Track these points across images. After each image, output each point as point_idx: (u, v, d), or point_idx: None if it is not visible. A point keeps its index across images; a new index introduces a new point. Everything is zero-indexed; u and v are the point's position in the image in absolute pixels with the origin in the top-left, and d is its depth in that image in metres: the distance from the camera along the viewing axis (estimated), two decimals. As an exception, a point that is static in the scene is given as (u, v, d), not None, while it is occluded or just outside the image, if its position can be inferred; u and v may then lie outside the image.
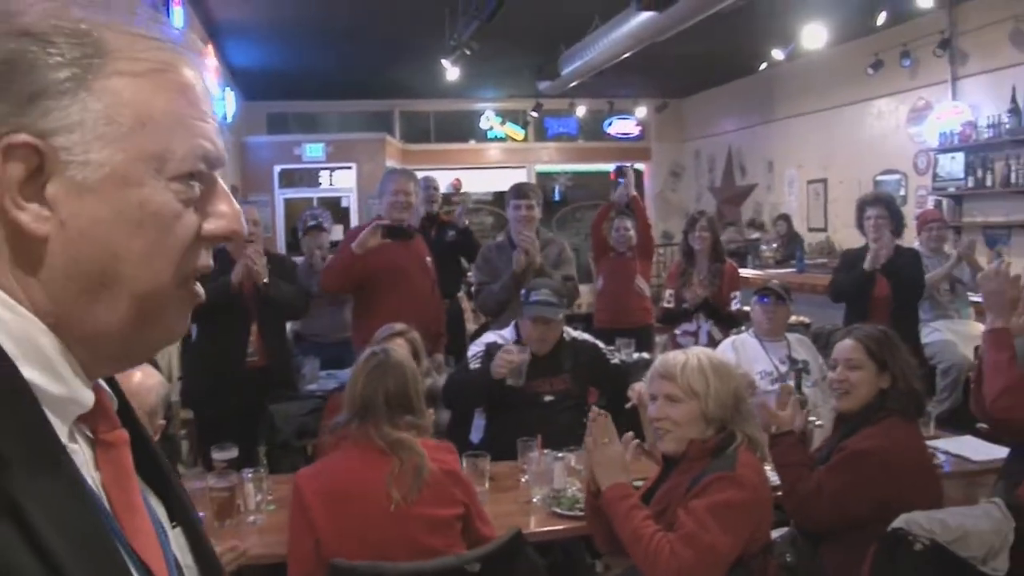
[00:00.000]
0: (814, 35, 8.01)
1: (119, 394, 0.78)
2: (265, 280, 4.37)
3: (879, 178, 9.59)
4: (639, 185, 7.16)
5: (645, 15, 6.56)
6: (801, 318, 6.11)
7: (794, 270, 8.50)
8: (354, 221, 11.54)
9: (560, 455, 3.31)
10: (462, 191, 13.85)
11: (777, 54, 9.23)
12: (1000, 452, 3.46)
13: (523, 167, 14.23)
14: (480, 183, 14.16)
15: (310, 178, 11.89)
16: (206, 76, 0.75)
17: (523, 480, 3.28)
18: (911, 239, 6.15)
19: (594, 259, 6.58)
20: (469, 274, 6.59)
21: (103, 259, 0.67)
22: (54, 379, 0.66)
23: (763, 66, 10.37)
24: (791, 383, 3.81)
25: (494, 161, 14.30)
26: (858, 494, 2.68)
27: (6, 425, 0.59)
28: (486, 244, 5.49)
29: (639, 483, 2.64)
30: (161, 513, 0.79)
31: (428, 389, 3.24)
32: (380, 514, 2.43)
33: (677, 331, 5.55)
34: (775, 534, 2.63)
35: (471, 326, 6.80)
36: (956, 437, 3.85)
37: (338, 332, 5.94)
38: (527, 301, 3.85)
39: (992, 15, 7.88)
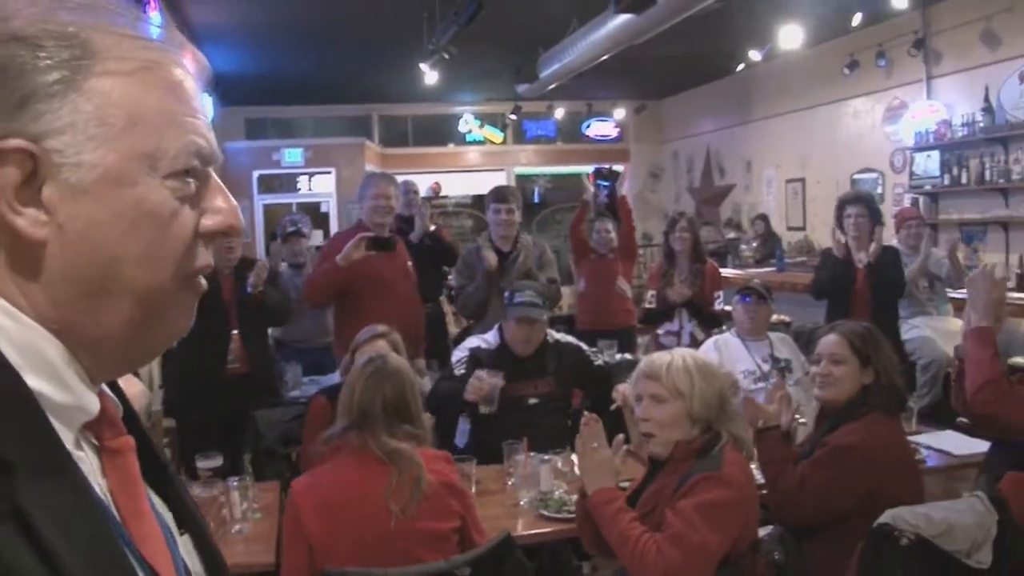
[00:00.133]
0: (790, 36, 8.07)
1: (124, 401, 0.77)
2: (260, 288, 4.37)
3: (856, 177, 9.66)
4: (618, 186, 7.17)
5: (623, 17, 6.57)
6: (782, 317, 6.16)
7: (774, 269, 8.56)
8: (334, 226, 11.50)
9: (546, 457, 3.31)
10: (441, 194, 13.85)
11: (754, 55, 9.29)
12: (980, 446, 3.51)
13: (502, 170, 14.23)
14: (459, 186, 14.15)
15: (289, 183, 11.83)
16: (194, 74, 0.75)
17: (509, 483, 3.28)
18: (889, 237, 6.20)
19: (574, 261, 6.59)
20: (450, 278, 6.60)
21: (102, 261, 0.67)
22: (60, 387, 0.66)
23: (740, 67, 10.42)
24: (781, 381, 3.84)
25: (473, 164, 14.29)
26: (841, 489, 2.70)
27: (11, 434, 0.59)
28: (467, 248, 5.49)
29: (625, 484, 2.65)
30: (169, 519, 0.79)
31: None
32: (378, 528, 2.41)
33: (660, 331, 5.57)
34: (762, 532, 2.65)
35: (453, 329, 6.80)
36: (937, 432, 3.89)
37: (319, 338, 5.93)
38: (511, 303, 3.85)
39: (964, 15, 7.96)
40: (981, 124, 7.75)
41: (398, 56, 9.24)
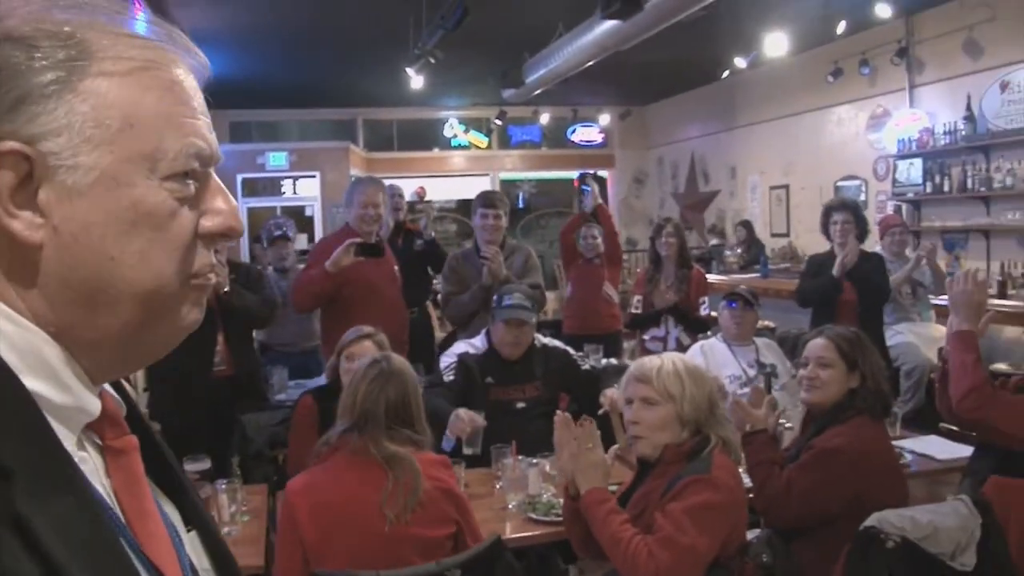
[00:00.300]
0: (776, 43, 8.12)
1: (127, 400, 0.77)
2: (226, 289, 4.33)
3: (840, 184, 9.73)
4: (603, 192, 7.20)
5: (609, 24, 6.61)
6: (766, 322, 6.20)
7: (758, 275, 8.60)
8: (318, 230, 11.47)
9: (534, 461, 3.33)
10: (426, 199, 13.83)
11: (739, 62, 9.34)
12: (963, 451, 3.54)
13: (487, 175, 14.24)
14: (444, 191, 14.14)
15: (273, 187, 11.79)
16: (195, 73, 0.74)
17: (498, 487, 3.28)
18: (872, 244, 6.26)
19: (564, 266, 6.61)
20: (435, 283, 6.60)
21: (99, 263, 0.66)
22: (60, 389, 0.65)
23: (725, 74, 10.48)
24: (760, 386, 3.86)
25: (458, 169, 14.30)
26: (827, 492, 2.72)
27: (9, 438, 0.58)
28: (452, 253, 5.48)
29: (614, 488, 2.66)
30: (175, 517, 0.78)
31: None
32: (371, 533, 2.40)
33: (646, 336, 5.60)
34: (750, 535, 2.66)
35: (439, 334, 6.80)
36: (921, 437, 3.93)
37: (304, 341, 5.92)
38: (500, 305, 3.86)
39: (947, 25, 8.05)
40: (963, 133, 7.83)
41: (383, 60, 9.23)
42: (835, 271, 4.88)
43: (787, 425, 3.60)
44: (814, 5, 7.80)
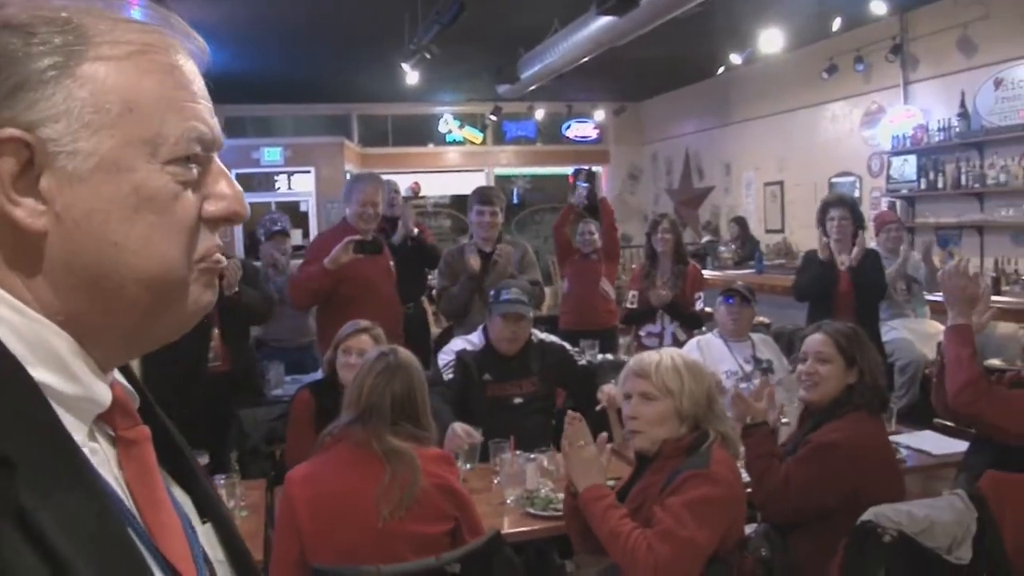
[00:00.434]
0: (771, 40, 8.13)
1: (140, 391, 0.77)
2: (236, 289, 4.34)
3: (834, 180, 9.75)
4: (596, 188, 7.19)
5: (604, 20, 6.61)
6: (761, 318, 6.21)
7: (753, 271, 8.62)
8: (312, 225, 11.46)
9: (532, 456, 3.33)
10: (421, 194, 13.81)
11: (735, 58, 9.34)
12: (958, 446, 3.56)
13: (481, 170, 14.23)
14: (438, 186, 14.13)
15: (267, 182, 11.77)
16: (194, 57, 0.74)
17: (496, 482, 3.29)
18: (867, 240, 6.27)
19: (559, 261, 6.61)
20: (430, 278, 6.60)
21: (103, 249, 0.66)
22: (69, 379, 0.65)
23: (721, 70, 10.49)
24: (757, 382, 3.87)
25: (452, 164, 14.29)
26: (824, 486, 2.73)
27: (13, 429, 0.58)
28: (448, 249, 5.48)
29: (611, 483, 2.67)
30: (189, 508, 0.78)
31: None
32: (366, 527, 2.41)
33: (642, 332, 5.61)
34: (748, 530, 2.68)
35: (434, 330, 6.80)
36: (916, 432, 3.95)
37: (300, 337, 5.91)
38: (497, 300, 3.86)
39: (941, 22, 8.08)
40: (957, 129, 7.86)
41: (379, 55, 9.22)
42: (852, 262, 4.88)
43: (783, 420, 3.61)
44: (809, 2, 7.81)
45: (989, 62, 7.59)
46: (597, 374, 4.07)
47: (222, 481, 3.03)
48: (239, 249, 10.87)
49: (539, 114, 13.24)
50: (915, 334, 5.86)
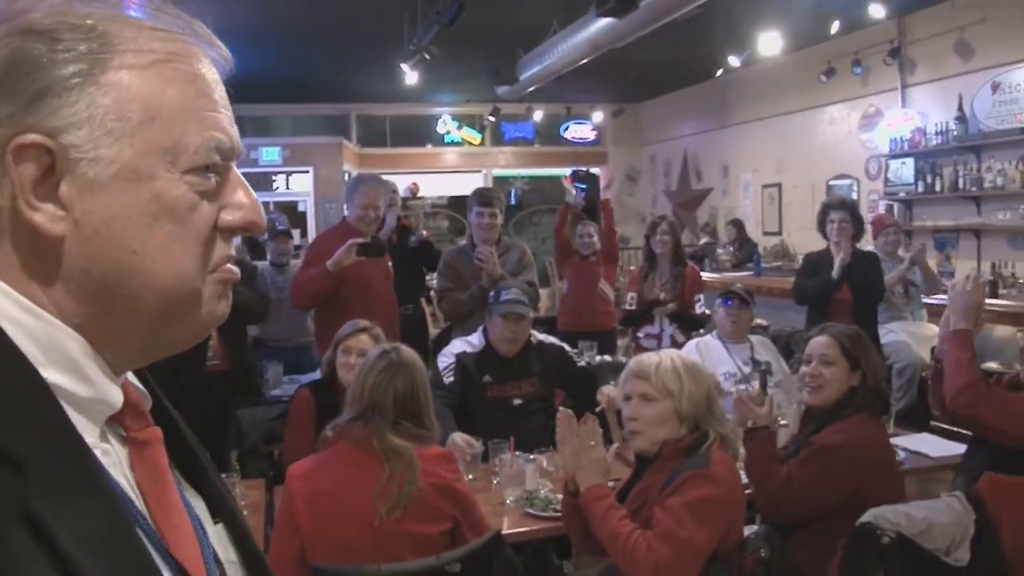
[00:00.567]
0: (769, 43, 8.15)
1: (152, 392, 0.77)
2: None
3: (832, 183, 9.77)
4: (595, 189, 7.20)
5: (604, 21, 6.61)
6: (759, 320, 6.22)
7: (751, 273, 8.63)
8: (311, 225, 11.47)
9: (532, 457, 3.34)
10: (419, 195, 13.82)
11: (733, 60, 9.36)
12: (956, 448, 3.57)
13: (479, 171, 14.23)
14: (436, 187, 14.14)
15: (266, 182, 11.76)
16: (216, 66, 0.74)
17: (495, 482, 3.29)
18: (864, 243, 6.28)
19: (559, 263, 6.62)
20: (427, 278, 6.61)
21: (121, 256, 0.66)
22: (81, 381, 0.65)
23: (719, 72, 10.51)
24: (756, 384, 3.88)
25: (450, 165, 14.29)
26: (827, 487, 2.74)
27: (24, 430, 0.58)
28: (447, 250, 5.49)
29: (611, 484, 2.67)
30: (201, 509, 0.78)
31: None
32: (364, 526, 2.41)
33: (640, 334, 5.62)
34: (747, 531, 2.68)
35: (432, 330, 6.80)
36: (914, 434, 3.96)
37: (298, 337, 5.93)
38: (497, 300, 3.87)
39: (939, 26, 8.09)
40: (955, 133, 7.88)
41: (378, 56, 9.22)
42: (835, 274, 4.93)
43: (782, 423, 3.62)
44: (808, 5, 7.83)
45: (986, 66, 7.61)
46: (596, 375, 4.08)
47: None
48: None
49: (537, 115, 13.24)
50: (913, 337, 5.88)
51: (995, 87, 7.53)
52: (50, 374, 0.63)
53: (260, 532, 2.96)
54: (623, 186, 14.76)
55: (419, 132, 14.19)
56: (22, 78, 0.63)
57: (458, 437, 3.39)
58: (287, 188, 11.81)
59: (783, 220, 10.88)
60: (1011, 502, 2.73)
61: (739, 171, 11.87)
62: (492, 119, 12.52)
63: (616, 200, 14.19)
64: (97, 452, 0.65)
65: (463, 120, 14.16)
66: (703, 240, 11.65)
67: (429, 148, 14.22)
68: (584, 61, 7.92)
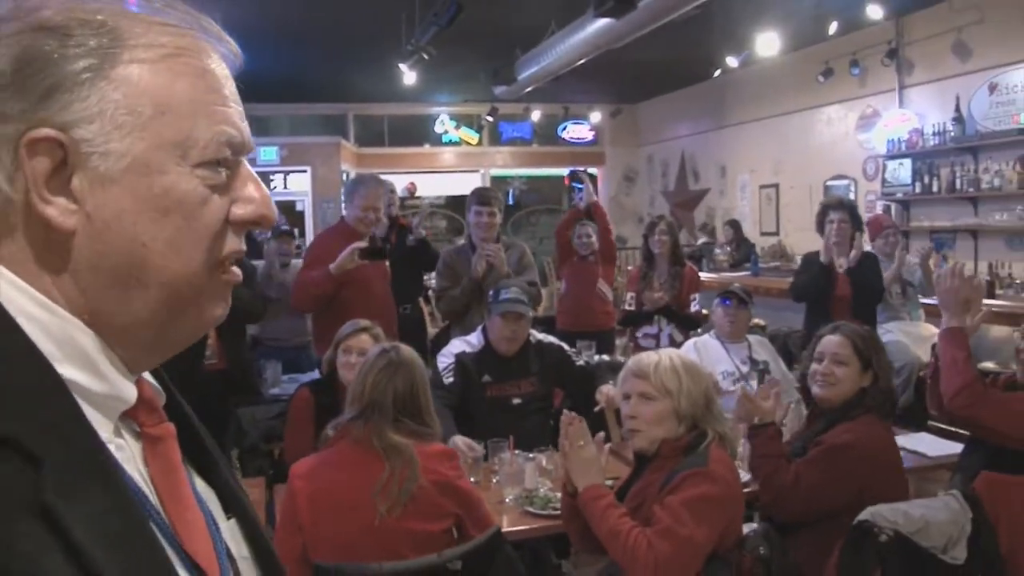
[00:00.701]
0: (767, 43, 8.17)
1: (166, 387, 0.78)
2: None
3: (829, 183, 9.80)
4: (593, 189, 7.21)
5: (602, 22, 6.63)
6: (757, 320, 6.24)
7: (748, 273, 8.64)
8: (308, 225, 11.47)
9: (531, 456, 3.35)
10: (416, 195, 13.83)
11: (731, 61, 9.39)
12: (953, 448, 3.58)
13: (477, 171, 14.24)
14: (434, 187, 14.15)
15: (263, 181, 11.68)
16: (227, 61, 0.74)
17: (495, 481, 3.30)
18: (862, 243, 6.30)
19: (560, 263, 6.63)
20: (425, 278, 6.61)
21: (131, 249, 0.67)
22: (95, 376, 0.66)
23: (717, 73, 10.53)
24: (754, 383, 3.90)
25: (448, 165, 14.30)
26: (835, 487, 2.74)
27: (39, 425, 0.59)
28: (446, 249, 5.49)
29: (610, 482, 2.68)
30: (214, 504, 0.79)
31: None
32: (366, 525, 2.42)
33: (638, 333, 5.63)
34: (746, 529, 2.69)
35: (431, 330, 6.80)
36: (912, 434, 3.97)
37: (297, 337, 5.93)
38: (497, 299, 3.88)
39: (936, 27, 8.12)
40: (952, 134, 7.90)
41: (376, 55, 9.23)
42: (850, 263, 4.91)
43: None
44: (806, 6, 7.85)
45: (984, 67, 7.64)
46: (595, 375, 4.09)
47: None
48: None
49: (535, 115, 13.27)
50: (910, 337, 5.89)
51: (992, 88, 7.56)
52: (65, 370, 0.64)
53: (260, 530, 2.96)
54: (621, 186, 14.78)
55: (417, 132, 14.20)
56: (34, 74, 0.64)
57: (459, 440, 3.39)
58: (285, 188, 11.80)
59: (780, 220, 10.90)
60: (1007, 501, 2.74)
61: (736, 171, 11.88)
62: (490, 119, 12.53)
63: (613, 200, 14.25)
64: (111, 447, 0.65)
65: (461, 120, 14.17)
66: (702, 240, 11.66)
67: (427, 148, 14.23)
68: (582, 61, 7.93)
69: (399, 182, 11.89)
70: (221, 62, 0.73)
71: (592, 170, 13.72)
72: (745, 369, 4.22)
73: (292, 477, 2.51)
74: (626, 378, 2.61)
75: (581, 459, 2.56)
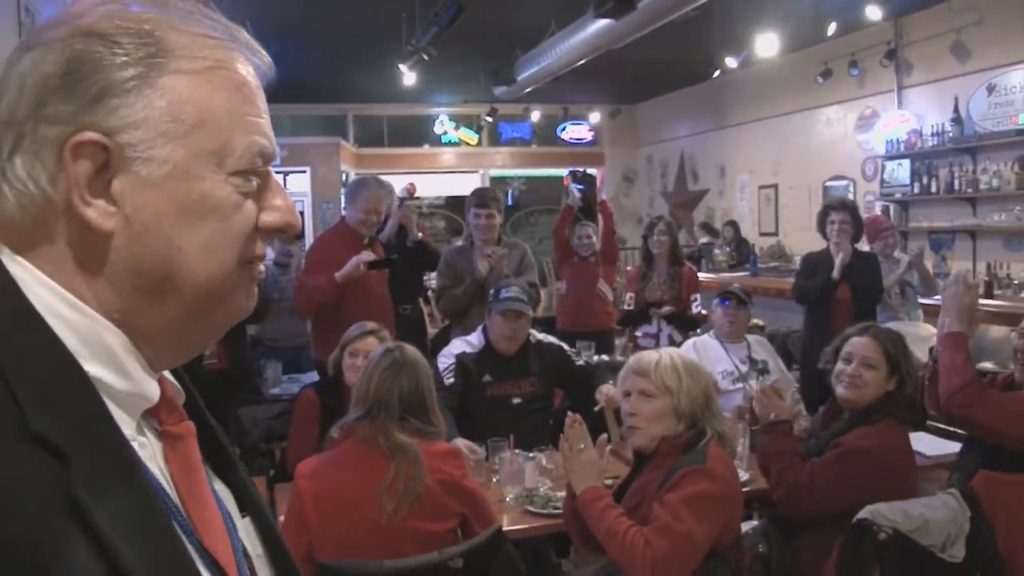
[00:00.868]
0: (766, 44, 8.18)
1: (186, 387, 0.79)
2: None
3: (828, 184, 9.81)
4: (592, 191, 7.22)
5: (601, 22, 6.65)
6: (756, 320, 6.25)
7: (748, 274, 8.66)
8: (308, 225, 11.46)
9: (531, 455, 3.36)
10: (416, 195, 13.83)
11: (730, 62, 9.40)
12: (952, 447, 3.60)
13: (476, 172, 14.26)
14: (434, 187, 14.16)
15: (263, 181, 11.74)
16: (258, 72, 0.77)
17: (495, 480, 3.32)
18: (861, 244, 6.31)
19: (558, 263, 6.64)
20: (424, 278, 6.62)
21: (167, 252, 0.69)
22: (120, 375, 0.67)
23: (716, 73, 10.54)
24: (753, 382, 3.91)
25: (448, 165, 14.31)
26: (848, 490, 2.70)
27: (68, 422, 0.60)
28: (447, 249, 5.50)
29: (610, 482, 2.70)
30: (230, 503, 0.80)
31: None
32: (372, 525, 2.42)
33: (638, 334, 5.65)
34: (745, 527, 2.71)
35: (430, 330, 6.82)
36: (911, 433, 3.97)
37: (297, 337, 5.93)
38: (497, 298, 3.89)
39: (935, 28, 8.14)
40: (950, 134, 7.92)
41: (376, 56, 9.24)
42: (835, 274, 4.95)
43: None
44: (805, 6, 7.87)
45: (982, 68, 7.66)
46: (594, 375, 4.10)
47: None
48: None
49: (535, 116, 13.28)
50: (909, 337, 5.80)
51: (991, 89, 7.57)
52: (91, 367, 0.65)
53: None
54: (620, 187, 14.79)
55: (416, 132, 14.21)
56: (84, 79, 0.66)
57: (461, 443, 3.39)
58: (284, 188, 11.69)
59: (779, 221, 10.91)
60: (1005, 499, 2.76)
61: (736, 172, 11.90)
62: (489, 119, 12.54)
63: (612, 201, 14.24)
64: (134, 445, 0.67)
65: (460, 120, 14.19)
66: (703, 240, 11.66)
67: (426, 148, 14.25)
68: (582, 62, 7.95)
69: (398, 183, 11.89)
70: (254, 74, 0.75)
71: (592, 170, 13.73)
72: (744, 369, 4.23)
73: (298, 477, 2.52)
74: (627, 376, 2.63)
75: (580, 462, 2.57)
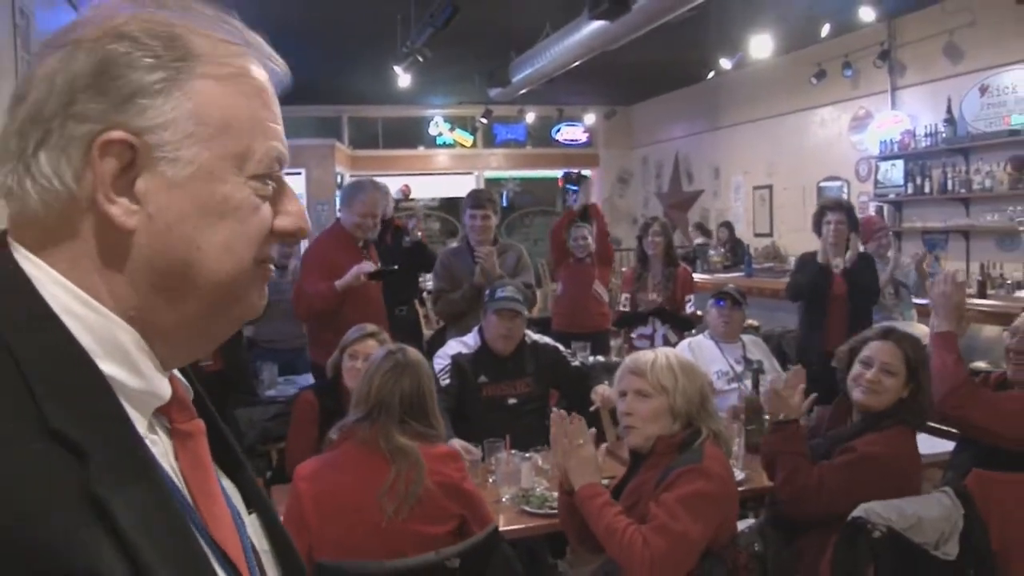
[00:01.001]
0: (760, 45, 8.21)
1: (194, 385, 0.80)
2: None
3: (822, 184, 9.84)
4: (587, 191, 7.22)
5: (596, 24, 6.66)
6: (751, 321, 6.27)
7: (742, 274, 8.68)
8: (303, 227, 11.43)
9: (527, 455, 3.37)
10: (411, 197, 13.84)
11: (724, 63, 9.42)
12: (945, 446, 3.61)
13: (471, 173, 14.27)
14: (428, 189, 14.16)
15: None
16: (274, 78, 0.79)
17: (491, 480, 3.32)
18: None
19: (554, 265, 6.66)
20: (420, 280, 6.63)
21: (187, 251, 0.70)
22: (133, 373, 0.69)
23: (711, 75, 10.57)
24: (748, 382, 3.93)
25: (442, 167, 14.32)
26: (857, 495, 2.66)
27: (85, 420, 0.61)
28: (443, 250, 5.51)
29: (606, 481, 2.71)
30: (237, 499, 0.81)
31: None
32: (371, 527, 2.43)
33: (633, 334, 5.67)
34: (741, 526, 2.72)
35: (426, 331, 6.83)
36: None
37: (293, 339, 5.92)
38: (492, 298, 3.90)
39: (928, 29, 8.17)
40: (943, 135, 7.95)
41: (371, 57, 9.24)
42: (836, 267, 4.94)
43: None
44: (798, 8, 7.90)
45: (975, 68, 7.69)
46: (590, 375, 4.12)
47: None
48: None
49: (529, 117, 13.29)
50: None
51: (983, 90, 7.61)
52: (106, 366, 0.66)
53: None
54: (615, 188, 14.82)
55: (411, 134, 14.21)
56: (115, 79, 0.67)
57: (457, 444, 3.40)
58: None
59: (774, 222, 10.94)
60: (998, 497, 2.79)
61: (730, 173, 11.93)
62: (484, 121, 12.55)
63: (607, 202, 14.28)
64: (147, 442, 0.68)
65: (455, 122, 14.20)
66: (698, 240, 11.69)
67: (421, 150, 14.25)
68: (576, 63, 7.96)
69: (393, 184, 11.88)
70: (270, 80, 0.77)
71: (586, 172, 13.72)
72: (739, 369, 4.25)
73: (296, 479, 2.52)
74: (623, 375, 2.64)
75: (579, 458, 2.58)
